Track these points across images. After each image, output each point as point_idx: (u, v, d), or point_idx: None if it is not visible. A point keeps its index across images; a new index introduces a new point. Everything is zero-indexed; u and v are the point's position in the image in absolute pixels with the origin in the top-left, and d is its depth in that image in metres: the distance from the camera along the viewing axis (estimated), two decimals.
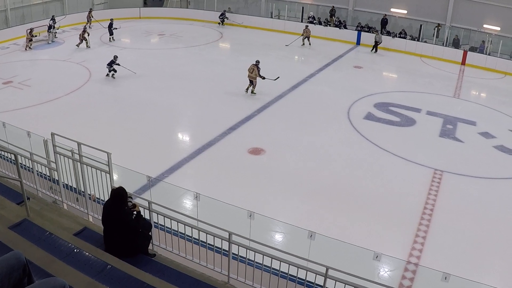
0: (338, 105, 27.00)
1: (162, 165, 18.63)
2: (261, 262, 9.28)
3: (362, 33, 43.85)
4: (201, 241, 9.79)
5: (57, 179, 11.60)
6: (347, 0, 47.58)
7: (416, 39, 42.59)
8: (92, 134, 20.37)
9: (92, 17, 44.05)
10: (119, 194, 8.95)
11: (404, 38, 42.62)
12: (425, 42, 41.78)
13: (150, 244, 10.03)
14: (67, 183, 11.72)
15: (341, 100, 27.98)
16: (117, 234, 8.91)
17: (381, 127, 24.44)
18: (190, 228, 9.79)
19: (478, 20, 41.72)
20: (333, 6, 47.31)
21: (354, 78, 33.33)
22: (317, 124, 24.24)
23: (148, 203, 10.00)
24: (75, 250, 8.27)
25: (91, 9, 45.36)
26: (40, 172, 12.63)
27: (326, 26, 45.34)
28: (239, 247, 9.32)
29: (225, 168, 19.29)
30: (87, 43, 36.03)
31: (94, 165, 10.90)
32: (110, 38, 38.70)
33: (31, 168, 12.41)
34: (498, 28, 40.66)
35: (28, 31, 35.54)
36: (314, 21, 46.19)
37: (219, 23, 47.72)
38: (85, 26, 36.63)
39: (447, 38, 42.61)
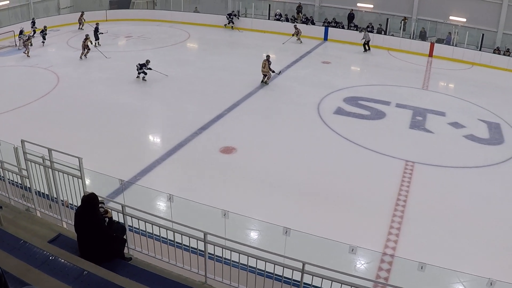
0: (308, 101, 27.11)
1: (134, 168, 18.52)
2: (238, 261, 9.29)
3: (330, 28, 44.03)
4: (177, 242, 9.78)
5: (29, 186, 11.52)
6: None
7: (383, 32, 42.86)
8: (62, 139, 20.16)
9: (84, 20, 43.85)
10: (90, 201, 8.90)
11: (371, 32, 42.89)
12: (392, 35, 42.10)
13: (126, 248, 9.99)
14: (39, 190, 11.62)
15: (311, 96, 28.10)
16: (91, 240, 8.88)
17: (351, 121, 24.58)
18: (165, 230, 9.76)
19: (444, 12, 42.21)
20: (300, 3, 47.51)
21: (322, 73, 33.46)
22: (287, 120, 24.30)
23: (122, 206, 9.94)
24: (51, 258, 8.22)
25: (83, 12, 45.02)
26: (11, 180, 12.49)
27: (294, 22, 45.44)
28: (215, 246, 9.32)
29: (197, 168, 19.24)
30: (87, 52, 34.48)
31: (66, 170, 10.82)
32: (95, 43, 37.67)
33: (2, 177, 12.26)
34: (464, 20, 41.15)
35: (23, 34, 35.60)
36: (281, 19, 46.26)
37: (225, 25, 47.14)
38: (86, 35, 35.42)
39: (413, 31, 43.06)
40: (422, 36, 42.76)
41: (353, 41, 42.48)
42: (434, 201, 17.50)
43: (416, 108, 26.71)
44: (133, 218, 9.98)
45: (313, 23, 45.29)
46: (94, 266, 8.28)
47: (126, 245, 9.98)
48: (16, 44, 36.64)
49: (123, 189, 15.19)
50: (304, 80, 31.26)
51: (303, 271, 8.51)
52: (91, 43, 34.88)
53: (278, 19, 46.24)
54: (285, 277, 9.06)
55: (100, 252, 8.91)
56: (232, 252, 9.25)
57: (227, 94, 27.48)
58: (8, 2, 43.62)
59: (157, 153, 20.24)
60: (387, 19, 43.71)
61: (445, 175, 19.64)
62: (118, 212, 9.97)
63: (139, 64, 29.38)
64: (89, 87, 28.15)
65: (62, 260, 8.20)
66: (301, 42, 42.59)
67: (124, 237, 9.81)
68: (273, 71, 29.41)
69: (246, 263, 9.20)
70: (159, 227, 9.80)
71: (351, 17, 45.21)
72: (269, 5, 48.68)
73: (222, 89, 28.56)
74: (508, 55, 38.25)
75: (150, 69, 29.36)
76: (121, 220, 9.95)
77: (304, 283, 8.66)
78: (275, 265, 8.87)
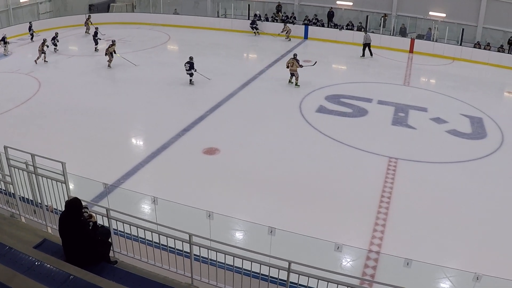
0: (289, 100, 27.19)
1: (118, 172, 18.45)
2: (224, 262, 9.30)
3: (310, 27, 44.12)
4: (162, 244, 9.76)
5: (13, 192, 11.46)
6: None
7: (363, 30, 42.98)
8: (45, 144, 20.12)
9: (90, 22, 43.64)
10: (73, 205, 8.88)
11: (352, 29, 43.00)
12: (372, 32, 42.19)
13: (111, 252, 9.96)
14: (23, 196, 11.57)
15: (292, 94, 28.19)
16: (76, 244, 8.85)
17: (333, 119, 24.65)
18: (150, 232, 9.73)
19: (423, 8, 42.47)
20: (279, 2, 47.59)
21: (303, 72, 33.51)
22: (270, 120, 24.36)
23: (106, 210, 9.90)
24: (36, 263, 8.19)
25: (89, 15, 44.85)
26: None
27: (274, 21, 45.51)
28: (200, 248, 9.33)
29: (181, 170, 19.21)
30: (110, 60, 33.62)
31: (49, 175, 10.76)
32: (95, 48, 37.71)
33: None
34: (444, 15, 41.39)
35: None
36: (261, 19, 46.28)
37: (255, 33, 45.60)
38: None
39: (393, 27, 43.23)
40: (402, 33, 42.98)
41: (333, 39, 42.69)
42: (418, 197, 17.61)
43: (398, 105, 26.84)
44: (118, 222, 9.95)
45: (293, 23, 45.30)
46: (80, 270, 8.26)
47: (111, 248, 9.96)
48: None
49: (107, 192, 15.13)
50: (285, 79, 31.26)
51: (289, 270, 8.52)
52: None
53: (258, 19, 46.18)
54: (271, 277, 9.07)
55: (85, 256, 8.89)
56: (217, 253, 9.25)
57: (209, 95, 27.46)
58: None
59: (140, 155, 20.18)
60: (367, 16, 43.90)
61: (428, 171, 19.73)
62: (102, 216, 9.93)
63: (187, 63, 29.34)
64: (71, 91, 27.97)
65: (48, 265, 8.17)
66: (290, 40, 42.86)
67: (109, 240, 9.79)
68: (302, 66, 29.65)
69: (232, 264, 9.20)
70: (144, 229, 9.77)
71: (330, 15, 45.32)
72: (249, 5, 48.67)
73: (204, 90, 28.53)
74: (489, 50, 38.55)
75: (194, 69, 29.50)
76: (106, 224, 9.92)
77: (291, 282, 8.66)
78: (261, 265, 8.87)
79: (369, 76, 32.78)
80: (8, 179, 11.34)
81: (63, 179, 10.59)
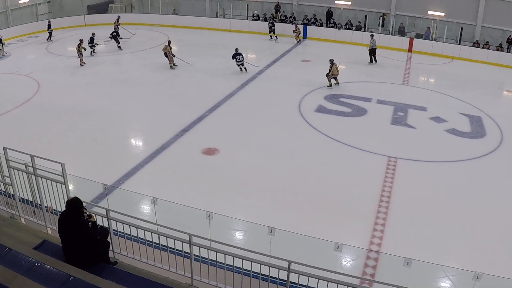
0: (288, 100, 27.17)
1: (118, 172, 18.44)
2: (223, 262, 9.29)
3: (308, 26, 44.12)
4: (162, 245, 9.75)
5: (13, 193, 11.44)
6: None
7: (362, 29, 43.01)
8: (45, 145, 20.14)
9: (120, 24, 43.59)
10: (74, 205, 8.85)
11: (350, 29, 43.02)
12: (371, 32, 42.14)
13: (111, 252, 9.95)
14: (23, 197, 11.56)
15: (291, 94, 28.18)
16: (76, 244, 8.84)
17: (333, 119, 24.67)
18: (150, 233, 9.72)
19: (422, 7, 42.50)
20: (278, 2, 47.60)
21: (302, 72, 33.55)
22: (269, 120, 24.35)
23: (106, 211, 9.88)
24: (36, 264, 8.17)
25: (119, 16, 44.84)
26: None
27: (294, 23, 45.57)
28: (200, 248, 9.32)
29: (180, 170, 19.22)
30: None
31: (49, 177, 10.74)
32: (118, 47, 38.35)
33: None
34: (442, 14, 41.41)
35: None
36: (260, 19, 46.25)
37: (271, 37, 44.26)
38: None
39: (392, 26, 43.24)
40: (401, 32, 43.02)
41: (332, 39, 42.70)
42: (418, 196, 17.61)
43: (397, 104, 26.86)
44: (117, 222, 9.94)
45: (292, 22, 45.28)
46: (80, 271, 8.25)
47: (111, 249, 9.95)
48: None
49: (106, 193, 15.14)
50: (284, 79, 31.31)
51: (289, 270, 8.52)
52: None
53: (256, 20, 46.24)
54: (271, 277, 9.07)
55: (84, 256, 8.88)
56: (217, 253, 9.25)
57: (208, 95, 27.48)
58: None
59: (139, 156, 20.17)
60: (366, 16, 43.95)
61: (428, 170, 19.74)
62: (102, 216, 9.92)
63: (238, 55, 31.81)
64: (70, 92, 27.96)
65: (48, 266, 8.16)
66: (299, 42, 43.01)
67: (108, 239, 9.78)
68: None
69: (232, 264, 9.20)
70: (144, 230, 9.76)
71: (329, 14, 45.31)
72: (247, 5, 48.71)
73: (203, 91, 28.56)
74: (488, 48, 38.58)
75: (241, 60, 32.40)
76: (106, 225, 9.91)
77: (291, 282, 8.65)
78: (261, 265, 8.87)
79: (368, 75, 32.77)
80: (7, 180, 11.32)
81: (63, 180, 10.57)
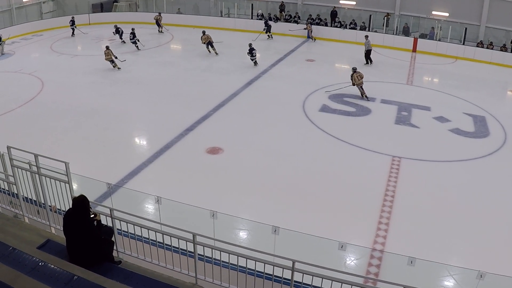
0: (293, 100, 27.15)
1: (122, 171, 18.46)
2: (228, 261, 9.29)
3: (313, 26, 44.05)
4: (166, 244, 9.76)
5: (17, 193, 11.44)
6: None
7: (366, 29, 42.95)
8: (48, 144, 20.17)
9: (160, 22, 43.87)
10: (81, 203, 8.84)
11: (355, 29, 42.98)
12: (376, 31, 42.16)
13: (115, 252, 9.95)
14: (27, 196, 11.55)
15: (296, 94, 28.15)
16: (81, 243, 8.83)
17: (337, 118, 24.68)
18: (154, 232, 9.73)
19: (426, 7, 42.46)
20: (282, 2, 47.49)
21: (307, 71, 33.54)
22: (273, 119, 24.35)
23: (110, 210, 9.88)
24: (40, 264, 8.15)
25: (159, 12, 45.12)
26: None
27: (277, 21, 45.47)
28: (204, 247, 9.31)
29: (184, 169, 19.22)
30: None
31: (53, 176, 10.74)
32: (137, 47, 38.18)
33: None
34: (447, 14, 41.35)
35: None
36: (263, 19, 46.20)
37: (268, 37, 44.06)
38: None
39: (397, 26, 43.20)
40: (405, 32, 42.96)
41: (336, 39, 42.68)
42: (422, 196, 17.62)
43: (401, 104, 26.84)
44: (121, 222, 9.94)
45: (296, 22, 45.31)
46: (84, 270, 8.24)
47: (115, 248, 9.94)
48: None
49: (110, 192, 15.15)
50: (289, 78, 31.30)
51: (293, 269, 8.51)
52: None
53: (260, 19, 46.17)
54: (275, 276, 9.06)
55: (89, 254, 8.87)
56: (221, 252, 9.24)
57: (212, 95, 27.48)
58: None
59: (143, 155, 20.19)
60: (370, 16, 43.92)
61: (431, 170, 19.73)
62: (106, 215, 9.92)
63: (253, 50, 33.55)
64: (74, 91, 27.98)
65: (52, 266, 8.14)
66: (314, 40, 43.24)
67: (112, 239, 9.77)
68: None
69: (236, 263, 9.19)
70: (148, 229, 9.76)
71: (334, 14, 45.27)
72: (252, 5, 48.67)
73: (207, 90, 28.56)
74: (492, 49, 38.52)
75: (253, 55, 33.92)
76: (110, 224, 9.91)
77: (295, 281, 8.65)
78: (265, 264, 8.86)
79: (372, 75, 32.69)
80: (11, 179, 11.33)
81: (67, 179, 10.57)
